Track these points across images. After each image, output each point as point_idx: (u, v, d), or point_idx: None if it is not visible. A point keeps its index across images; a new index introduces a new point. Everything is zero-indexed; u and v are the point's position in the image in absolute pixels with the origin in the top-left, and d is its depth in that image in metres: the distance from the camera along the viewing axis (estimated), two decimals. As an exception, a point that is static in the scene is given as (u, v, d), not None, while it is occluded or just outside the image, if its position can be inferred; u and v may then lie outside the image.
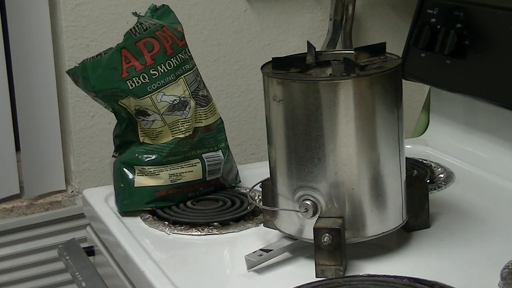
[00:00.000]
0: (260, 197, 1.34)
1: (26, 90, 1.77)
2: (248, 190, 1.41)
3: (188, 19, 1.77)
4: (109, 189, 1.45)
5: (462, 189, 1.43)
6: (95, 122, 1.79)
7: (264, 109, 1.20)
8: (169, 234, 1.32)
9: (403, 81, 1.22)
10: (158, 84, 1.38)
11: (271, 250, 1.18)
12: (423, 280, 1.06)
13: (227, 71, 1.84)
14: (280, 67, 1.19)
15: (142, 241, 1.29)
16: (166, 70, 1.38)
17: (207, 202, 1.42)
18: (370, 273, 1.11)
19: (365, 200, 1.15)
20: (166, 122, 1.39)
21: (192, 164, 1.42)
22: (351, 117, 1.13)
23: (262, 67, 1.21)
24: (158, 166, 1.39)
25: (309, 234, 1.15)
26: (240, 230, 1.32)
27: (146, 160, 1.39)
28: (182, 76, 1.40)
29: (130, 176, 1.39)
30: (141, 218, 1.37)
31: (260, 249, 1.18)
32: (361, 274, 1.12)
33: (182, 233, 1.31)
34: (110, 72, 1.37)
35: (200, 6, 1.79)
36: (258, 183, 1.28)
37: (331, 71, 1.20)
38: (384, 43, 1.22)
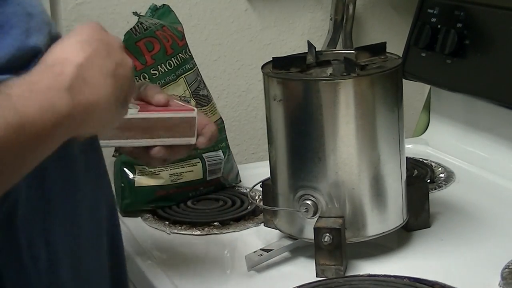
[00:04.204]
0: (260, 196, 1.34)
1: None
2: (248, 189, 1.41)
3: (188, 19, 1.77)
4: (110, 189, 1.45)
5: (462, 189, 1.43)
6: (96, 121, 1.78)
7: (265, 109, 1.20)
8: (169, 233, 1.32)
9: (404, 80, 1.22)
10: (159, 83, 1.38)
11: (271, 250, 1.18)
12: (423, 280, 1.06)
13: (227, 71, 1.84)
14: (281, 67, 1.19)
15: (142, 241, 1.29)
16: (166, 70, 1.38)
17: (208, 202, 1.42)
18: (370, 273, 1.11)
19: (365, 199, 1.15)
20: (167, 121, 1.39)
21: (193, 163, 1.41)
22: (352, 116, 1.13)
23: (262, 67, 1.21)
24: (159, 166, 1.39)
25: (309, 234, 1.15)
26: (241, 230, 1.32)
27: (147, 159, 1.39)
28: (183, 76, 1.40)
29: (131, 176, 1.39)
30: (141, 218, 1.37)
31: (260, 249, 1.18)
32: (361, 273, 1.12)
33: (183, 232, 1.31)
34: (110, 71, 1.36)
35: (201, 6, 1.79)
36: (259, 182, 1.28)
37: (331, 70, 1.20)
38: (385, 43, 1.22)
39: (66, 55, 0.83)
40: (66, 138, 0.81)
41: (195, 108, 1.10)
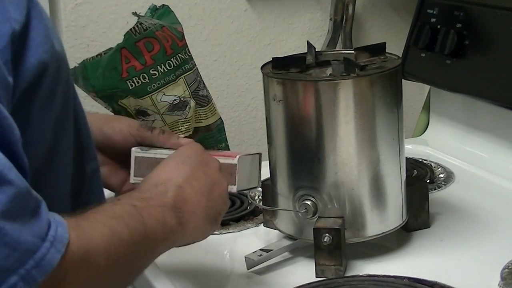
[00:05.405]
0: (260, 197, 1.34)
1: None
2: (248, 190, 1.41)
3: (188, 19, 1.77)
4: (109, 189, 1.45)
5: (462, 189, 1.42)
6: (95, 122, 1.78)
7: (264, 109, 1.20)
8: (169, 234, 1.31)
9: (403, 81, 1.22)
10: (158, 84, 1.38)
11: (271, 250, 1.18)
12: (423, 280, 1.06)
13: (227, 71, 1.84)
14: (280, 67, 1.19)
15: (142, 241, 1.29)
16: (166, 70, 1.38)
17: (207, 202, 1.42)
18: (370, 273, 1.11)
19: (365, 200, 1.15)
20: (166, 122, 1.39)
21: (192, 164, 1.41)
22: (351, 117, 1.13)
23: (262, 67, 1.21)
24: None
25: (309, 234, 1.15)
26: (240, 230, 1.32)
27: (146, 160, 1.39)
28: (182, 76, 1.40)
29: (130, 176, 1.39)
30: (141, 218, 1.37)
31: (260, 249, 1.18)
32: (361, 274, 1.12)
33: (182, 233, 1.31)
34: (110, 72, 1.37)
35: (200, 6, 1.79)
36: (258, 183, 1.28)
37: (331, 71, 1.20)
38: (384, 43, 1.22)
39: (168, 176, 0.94)
40: (165, 251, 0.91)
41: (238, 155, 1.06)
